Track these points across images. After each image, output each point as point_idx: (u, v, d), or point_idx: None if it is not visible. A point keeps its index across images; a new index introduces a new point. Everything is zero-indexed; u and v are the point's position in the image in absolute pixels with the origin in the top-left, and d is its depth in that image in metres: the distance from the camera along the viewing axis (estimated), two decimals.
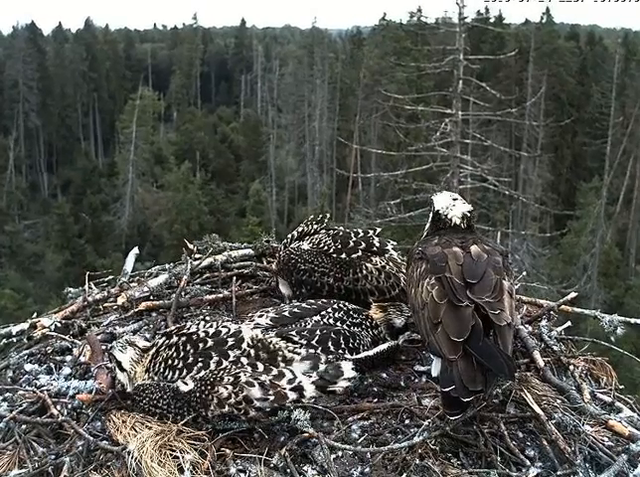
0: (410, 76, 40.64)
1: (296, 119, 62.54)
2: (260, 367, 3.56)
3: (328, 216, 5.21)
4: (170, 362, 3.67)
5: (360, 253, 4.82)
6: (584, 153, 57.81)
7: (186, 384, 3.57)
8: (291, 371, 3.56)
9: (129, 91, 71.74)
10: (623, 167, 53.40)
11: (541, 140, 51.97)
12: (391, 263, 4.81)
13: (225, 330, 3.74)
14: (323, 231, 5.04)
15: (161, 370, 3.69)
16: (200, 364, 3.60)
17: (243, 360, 3.59)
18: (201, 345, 3.66)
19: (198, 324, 3.83)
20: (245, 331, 3.75)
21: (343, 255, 4.80)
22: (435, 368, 3.64)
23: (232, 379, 3.50)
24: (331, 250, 4.84)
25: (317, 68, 61.78)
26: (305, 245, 4.95)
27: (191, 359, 3.63)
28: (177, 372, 3.62)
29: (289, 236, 5.16)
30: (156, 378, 3.68)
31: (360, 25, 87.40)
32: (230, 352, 3.62)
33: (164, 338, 3.83)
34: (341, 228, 5.05)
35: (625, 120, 53.71)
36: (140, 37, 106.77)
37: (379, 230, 5.07)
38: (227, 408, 3.46)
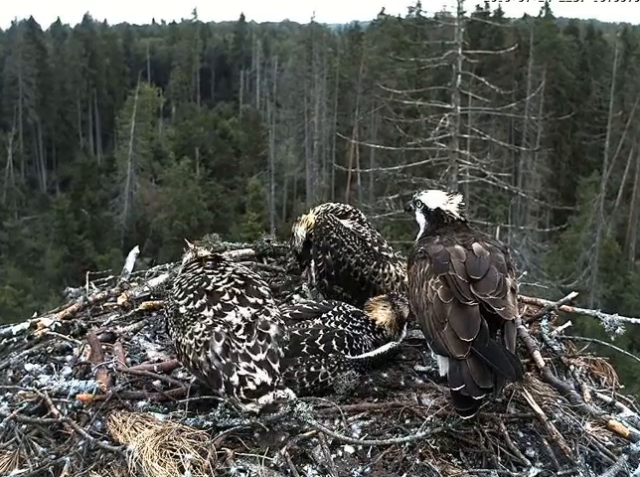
0: (410, 70, 40.54)
1: (295, 114, 62.33)
2: (245, 339, 3.53)
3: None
4: (185, 284, 3.81)
5: (390, 255, 4.88)
6: (584, 148, 57.74)
7: (182, 307, 3.70)
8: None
9: (129, 87, 71.53)
10: (622, 161, 53.30)
11: (540, 135, 51.80)
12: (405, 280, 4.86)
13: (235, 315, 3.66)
14: (367, 225, 5.05)
15: (179, 283, 3.88)
16: (197, 302, 3.68)
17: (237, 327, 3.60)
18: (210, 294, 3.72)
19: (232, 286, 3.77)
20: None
21: (376, 248, 4.84)
22: (443, 367, 3.64)
23: (210, 323, 3.56)
24: (367, 239, 4.86)
25: (316, 62, 61.53)
26: (345, 223, 4.94)
27: (200, 297, 3.70)
28: (181, 293, 3.77)
29: (330, 205, 5.08)
30: (176, 280, 3.97)
31: (358, 19, 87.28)
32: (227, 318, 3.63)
33: (207, 265, 3.96)
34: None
35: (624, 115, 53.58)
36: (139, 32, 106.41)
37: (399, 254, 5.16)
38: (192, 341, 3.52)
